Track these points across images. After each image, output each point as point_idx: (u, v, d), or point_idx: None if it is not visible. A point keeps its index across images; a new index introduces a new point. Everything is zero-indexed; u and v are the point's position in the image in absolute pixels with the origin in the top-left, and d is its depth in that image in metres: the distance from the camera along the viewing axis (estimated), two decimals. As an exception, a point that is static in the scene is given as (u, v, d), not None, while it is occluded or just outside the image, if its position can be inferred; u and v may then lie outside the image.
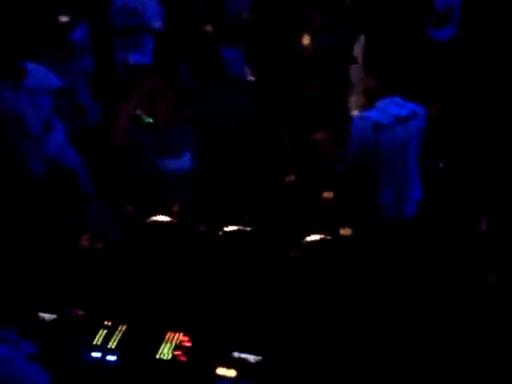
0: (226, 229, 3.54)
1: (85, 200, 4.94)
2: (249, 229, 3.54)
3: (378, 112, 3.77)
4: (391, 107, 3.78)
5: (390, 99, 3.81)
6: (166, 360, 3.04)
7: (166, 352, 3.07)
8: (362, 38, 4.96)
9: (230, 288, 3.34)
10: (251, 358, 3.01)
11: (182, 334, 3.14)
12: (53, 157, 5.03)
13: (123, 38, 6.20)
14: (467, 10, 5.73)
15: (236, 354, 3.02)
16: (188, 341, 3.11)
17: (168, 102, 4.27)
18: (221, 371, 2.96)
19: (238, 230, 3.54)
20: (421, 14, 5.58)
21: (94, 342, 3.10)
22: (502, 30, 5.71)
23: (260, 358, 2.99)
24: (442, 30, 5.71)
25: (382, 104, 3.79)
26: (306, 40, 5.47)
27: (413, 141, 3.85)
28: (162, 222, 3.59)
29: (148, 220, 3.59)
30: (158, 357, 3.05)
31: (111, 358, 3.05)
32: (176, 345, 3.10)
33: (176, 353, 3.06)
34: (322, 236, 3.52)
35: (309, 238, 3.50)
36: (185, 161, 4.42)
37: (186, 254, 3.48)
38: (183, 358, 3.04)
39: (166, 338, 3.13)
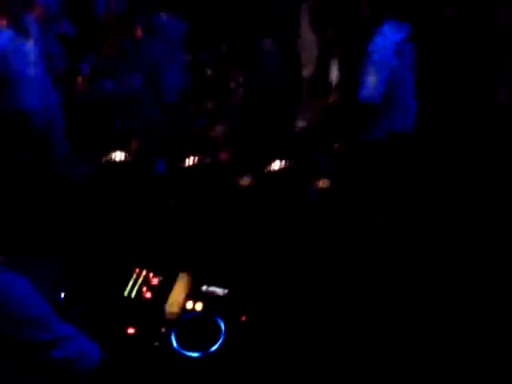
0: (186, 163, 3.46)
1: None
2: (208, 160, 3.47)
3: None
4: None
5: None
6: (133, 297, 3.03)
7: (132, 289, 3.05)
8: None
9: (196, 223, 3.30)
10: (219, 291, 3.02)
11: (148, 271, 3.12)
12: None
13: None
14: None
15: (204, 288, 3.02)
16: (154, 277, 3.09)
17: None
18: (189, 305, 2.96)
19: (198, 164, 3.46)
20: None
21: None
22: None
23: (227, 291, 3.00)
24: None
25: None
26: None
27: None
28: (118, 160, 3.48)
29: (105, 158, 3.48)
30: (125, 294, 3.04)
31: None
32: (143, 282, 3.08)
33: (143, 290, 3.05)
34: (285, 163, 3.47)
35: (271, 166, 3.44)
36: None
37: (146, 191, 3.41)
38: (149, 296, 3.03)
39: (133, 275, 3.11)
